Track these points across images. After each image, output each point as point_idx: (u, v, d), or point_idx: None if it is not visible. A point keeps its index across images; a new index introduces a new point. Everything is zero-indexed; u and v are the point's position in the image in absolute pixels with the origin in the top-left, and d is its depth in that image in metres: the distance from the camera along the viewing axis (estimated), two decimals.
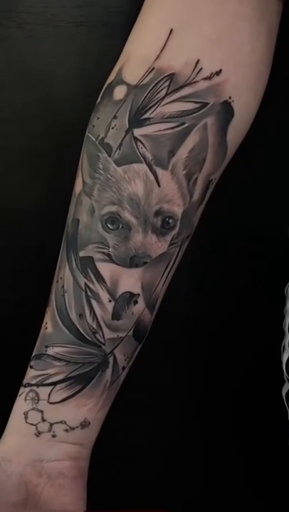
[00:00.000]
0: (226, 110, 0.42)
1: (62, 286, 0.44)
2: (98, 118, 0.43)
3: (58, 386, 0.43)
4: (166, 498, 0.63)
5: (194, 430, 0.63)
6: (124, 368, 0.44)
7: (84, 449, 0.45)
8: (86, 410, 0.44)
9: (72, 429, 0.44)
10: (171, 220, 0.42)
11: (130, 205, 0.42)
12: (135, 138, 0.41)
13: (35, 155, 0.59)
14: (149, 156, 0.41)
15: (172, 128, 0.41)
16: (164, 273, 0.44)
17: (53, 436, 0.43)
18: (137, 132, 0.41)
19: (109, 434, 0.56)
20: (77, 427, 0.44)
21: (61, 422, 0.43)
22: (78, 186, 0.44)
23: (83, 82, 0.57)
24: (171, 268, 0.44)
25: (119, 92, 0.43)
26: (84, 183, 0.43)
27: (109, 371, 0.44)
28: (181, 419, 0.62)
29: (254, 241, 0.60)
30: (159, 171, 0.41)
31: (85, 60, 0.57)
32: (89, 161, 0.43)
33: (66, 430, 0.44)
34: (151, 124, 0.41)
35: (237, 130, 0.43)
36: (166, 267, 0.44)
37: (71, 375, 0.43)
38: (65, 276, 0.44)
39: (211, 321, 0.60)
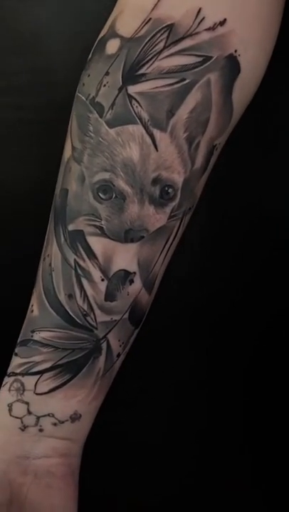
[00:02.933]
0: (232, 65, 0.38)
1: (50, 264, 0.39)
2: (89, 75, 0.39)
3: (46, 375, 0.39)
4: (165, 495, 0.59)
5: (195, 419, 0.58)
6: (119, 355, 0.40)
7: (74, 445, 0.40)
8: (76, 402, 0.39)
9: (61, 422, 0.39)
10: (170, 190, 0.38)
11: (124, 172, 0.37)
12: (130, 96, 0.37)
13: (27, 126, 0.54)
14: (145, 116, 0.37)
15: (171, 84, 0.37)
16: (163, 249, 0.39)
17: (40, 430, 0.39)
18: (132, 89, 0.37)
19: (106, 427, 0.52)
20: (66, 420, 0.39)
21: (49, 414, 0.39)
22: (67, 152, 0.40)
23: (78, 45, 0.52)
24: (171, 244, 0.40)
25: (112, 46, 0.38)
26: (73, 148, 0.39)
27: (102, 358, 0.39)
28: (182, 410, 0.58)
29: (265, 222, 0.55)
30: (157, 133, 0.37)
31: (79, 22, 0.53)
32: (78, 123, 0.39)
33: (54, 424, 0.39)
34: (147, 80, 0.37)
35: (244, 88, 0.39)
36: (166, 243, 0.39)
37: (60, 362, 0.39)
38: (53, 252, 0.39)
39: (212, 312, 0.55)
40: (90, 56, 0.40)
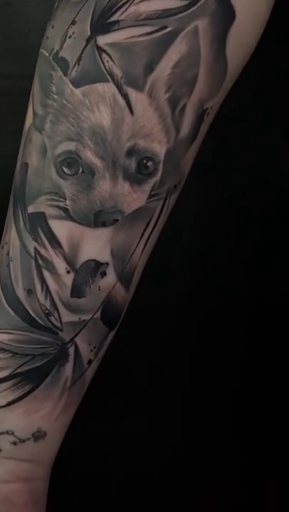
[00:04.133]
0: (224, 10, 0.31)
1: (8, 254, 0.33)
2: (53, 27, 0.32)
3: (2, 385, 0.33)
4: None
5: (187, 415, 0.53)
6: (90, 362, 0.34)
7: (39, 468, 0.34)
8: (40, 417, 0.33)
9: (22, 441, 0.33)
10: (150, 163, 0.31)
11: (93, 141, 0.31)
12: (99, 48, 0.30)
13: (2, 97, 0.49)
14: (117, 72, 0.30)
15: (150, 33, 0.30)
16: (142, 235, 0.33)
17: None
18: (102, 40, 0.30)
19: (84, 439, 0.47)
20: (28, 438, 0.33)
21: (7, 432, 0.33)
22: (28, 120, 0.33)
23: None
24: (152, 229, 0.33)
25: None
26: (34, 114, 0.33)
27: (69, 366, 0.33)
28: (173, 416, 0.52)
29: (268, 203, 0.48)
30: (132, 93, 0.30)
31: None
32: (41, 83, 0.32)
33: (14, 443, 0.33)
34: (120, 28, 0.30)
35: (241, 39, 0.32)
36: (146, 227, 0.33)
37: (19, 370, 0.32)
38: (11, 239, 0.33)
39: (206, 305, 0.49)
40: (56, 4, 0.33)
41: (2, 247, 0.34)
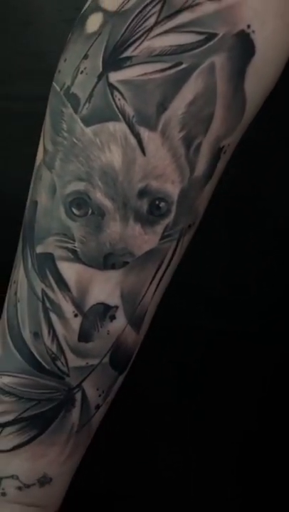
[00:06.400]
0: (243, 45, 0.29)
1: (15, 293, 0.32)
2: (65, 60, 0.31)
3: (8, 429, 0.32)
4: None
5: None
6: (98, 407, 0.32)
7: None
8: (45, 463, 0.32)
9: (28, 487, 0.32)
10: (162, 204, 0.30)
11: (103, 182, 0.29)
12: (111, 85, 0.29)
13: (17, 119, 0.48)
14: (129, 110, 0.29)
15: (163, 70, 0.29)
16: (154, 277, 0.31)
17: (3, 494, 0.32)
18: (114, 77, 0.29)
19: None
20: (33, 484, 0.32)
21: (12, 476, 0.32)
22: (39, 156, 0.32)
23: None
24: (165, 270, 0.32)
25: (93, 23, 0.30)
26: (45, 150, 0.32)
27: (76, 411, 0.32)
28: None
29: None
30: (145, 133, 0.29)
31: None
32: (51, 119, 0.31)
33: (19, 488, 0.32)
34: (133, 64, 0.29)
35: (261, 75, 0.30)
36: (158, 269, 0.31)
37: (24, 415, 0.32)
38: (19, 279, 0.32)
39: (236, 341, 0.47)
40: (69, 36, 0.32)
41: (10, 286, 0.33)
